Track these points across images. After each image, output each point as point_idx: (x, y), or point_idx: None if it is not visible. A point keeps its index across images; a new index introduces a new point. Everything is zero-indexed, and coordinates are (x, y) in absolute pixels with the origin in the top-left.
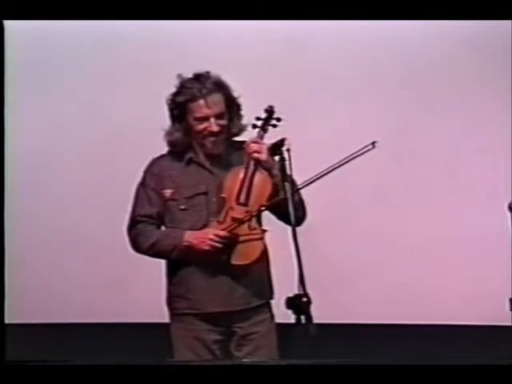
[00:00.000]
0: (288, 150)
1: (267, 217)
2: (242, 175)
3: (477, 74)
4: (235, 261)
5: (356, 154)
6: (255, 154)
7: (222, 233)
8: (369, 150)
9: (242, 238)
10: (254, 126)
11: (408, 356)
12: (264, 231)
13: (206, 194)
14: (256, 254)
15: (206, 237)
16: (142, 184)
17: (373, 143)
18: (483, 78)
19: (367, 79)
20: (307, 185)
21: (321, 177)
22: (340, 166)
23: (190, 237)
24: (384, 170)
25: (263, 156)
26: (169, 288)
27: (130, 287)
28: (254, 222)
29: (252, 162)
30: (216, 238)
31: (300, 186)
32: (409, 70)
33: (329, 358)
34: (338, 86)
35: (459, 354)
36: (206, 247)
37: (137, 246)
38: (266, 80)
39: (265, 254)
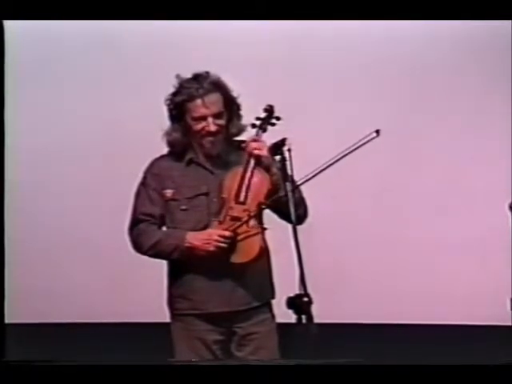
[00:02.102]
0: (289, 150)
1: (268, 216)
2: (240, 174)
3: (477, 73)
4: (235, 259)
5: (361, 143)
6: (256, 151)
7: (227, 233)
8: (373, 139)
9: (240, 237)
10: (254, 126)
11: (408, 356)
12: (263, 229)
13: (207, 194)
14: (255, 251)
15: (211, 238)
16: (143, 184)
17: (377, 131)
18: (483, 78)
19: (367, 79)
20: (310, 178)
21: (324, 169)
22: (344, 156)
23: (193, 238)
24: (384, 170)
25: (264, 152)
26: (170, 289)
27: (130, 287)
28: (251, 220)
29: (252, 161)
30: (221, 239)
31: (303, 181)
32: (409, 70)
33: (330, 358)
34: (337, 86)
35: (459, 354)
36: (212, 248)
37: (138, 246)
38: (266, 80)
39: (264, 251)
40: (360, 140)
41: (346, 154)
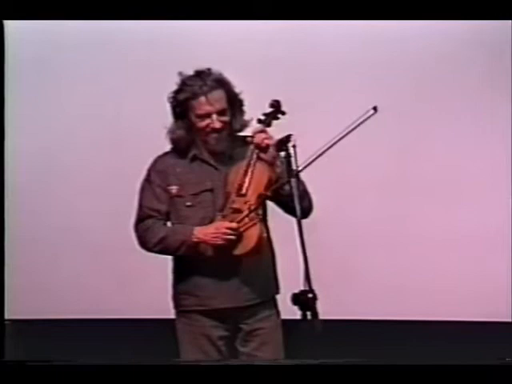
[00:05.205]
0: (294, 146)
1: (272, 210)
2: (244, 168)
3: (477, 73)
4: (236, 252)
5: (359, 121)
6: (266, 140)
7: (235, 225)
8: (371, 116)
9: (241, 229)
10: (260, 121)
11: (411, 352)
12: (262, 219)
13: (211, 190)
14: (253, 241)
15: (219, 231)
16: (148, 181)
17: (374, 108)
18: (483, 77)
19: (368, 79)
20: (311, 162)
21: (326, 151)
22: (344, 136)
23: (201, 233)
24: (386, 167)
25: (272, 141)
26: (175, 285)
27: (134, 283)
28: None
29: (255, 154)
30: (229, 231)
31: (304, 165)
32: (409, 70)
33: (334, 354)
34: (339, 86)
35: (461, 350)
36: (220, 241)
37: (144, 242)
38: (268, 80)
39: (263, 241)
40: (358, 118)
41: (347, 134)
